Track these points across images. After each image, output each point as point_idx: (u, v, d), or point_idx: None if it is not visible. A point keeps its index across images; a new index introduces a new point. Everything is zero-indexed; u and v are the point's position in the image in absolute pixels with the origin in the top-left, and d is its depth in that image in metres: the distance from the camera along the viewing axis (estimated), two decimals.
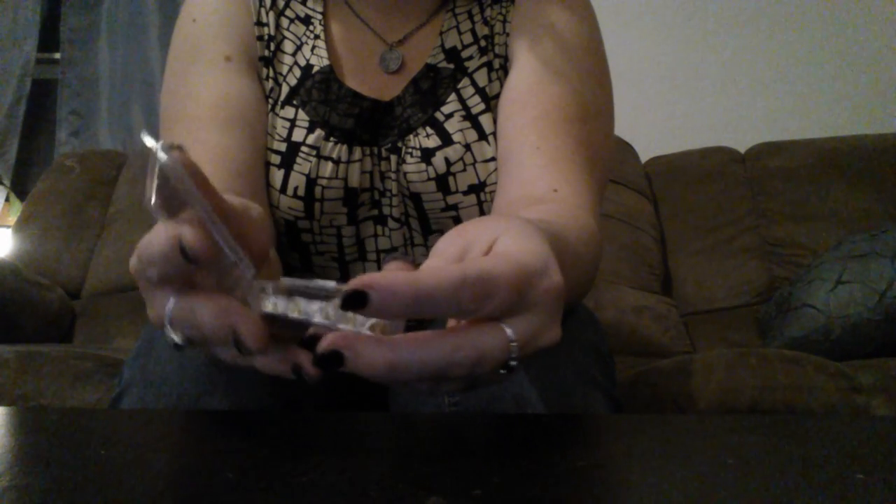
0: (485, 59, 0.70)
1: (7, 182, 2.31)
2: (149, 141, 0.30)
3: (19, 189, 2.35)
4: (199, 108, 0.65)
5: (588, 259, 0.52)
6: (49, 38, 2.44)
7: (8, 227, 2.09)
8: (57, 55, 2.44)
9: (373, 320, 0.30)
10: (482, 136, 0.68)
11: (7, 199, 2.33)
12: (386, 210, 0.70)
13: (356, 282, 0.28)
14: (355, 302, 0.28)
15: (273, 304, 0.32)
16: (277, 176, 0.67)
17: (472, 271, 0.29)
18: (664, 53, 2.12)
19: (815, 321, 1.33)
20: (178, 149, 0.30)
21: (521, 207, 0.59)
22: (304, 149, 0.67)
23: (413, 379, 0.29)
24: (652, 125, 2.05)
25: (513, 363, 0.31)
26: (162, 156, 0.29)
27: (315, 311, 0.31)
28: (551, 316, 0.32)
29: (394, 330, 0.31)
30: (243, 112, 0.66)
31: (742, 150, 1.88)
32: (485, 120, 0.68)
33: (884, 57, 2.02)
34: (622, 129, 1.77)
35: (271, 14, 0.71)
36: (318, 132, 0.67)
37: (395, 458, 0.32)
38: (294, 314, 0.31)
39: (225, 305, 0.32)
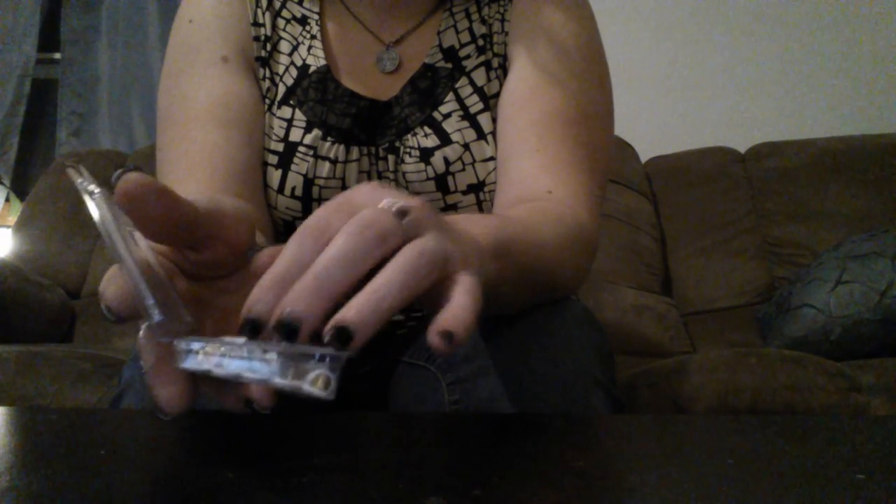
0: (483, 58, 0.70)
1: (7, 182, 2.31)
2: (77, 181, 0.29)
3: (19, 189, 2.35)
4: (196, 109, 0.65)
5: (566, 251, 0.54)
6: (49, 38, 2.44)
7: (8, 227, 2.09)
8: (57, 55, 2.44)
9: (316, 372, 0.28)
10: (481, 135, 0.68)
11: (7, 199, 2.33)
12: None
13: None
14: (340, 338, 0.28)
15: (199, 361, 0.29)
16: (275, 176, 0.67)
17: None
18: (664, 53, 2.12)
19: (815, 321, 1.33)
20: (127, 173, 0.29)
21: (517, 207, 0.59)
22: (301, 149, 0.67)
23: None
24: (652, 125, 2.05)
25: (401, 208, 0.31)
26: (91, 205, 0.29)
27: (246, 369, 0.28)
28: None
29: (335, 383, 0.28)
30: (241, 112, 0.66)
31: (742, 150, 1.88)
32: (483, 119, 0.68)
33: (884, 57, 2.02)
34: (622, 129, 1.77)
35: (267, 14, 0.71)
36: (316, 132, 0.67)
37: (395, 458, 0.32)
38: (219, 371, 0.28)
39: (159, 357, 0.31)
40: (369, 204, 0.32)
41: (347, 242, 0.29)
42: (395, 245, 0.31)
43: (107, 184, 0.32)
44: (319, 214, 0.31)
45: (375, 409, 0.68)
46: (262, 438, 0.33)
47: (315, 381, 0.27)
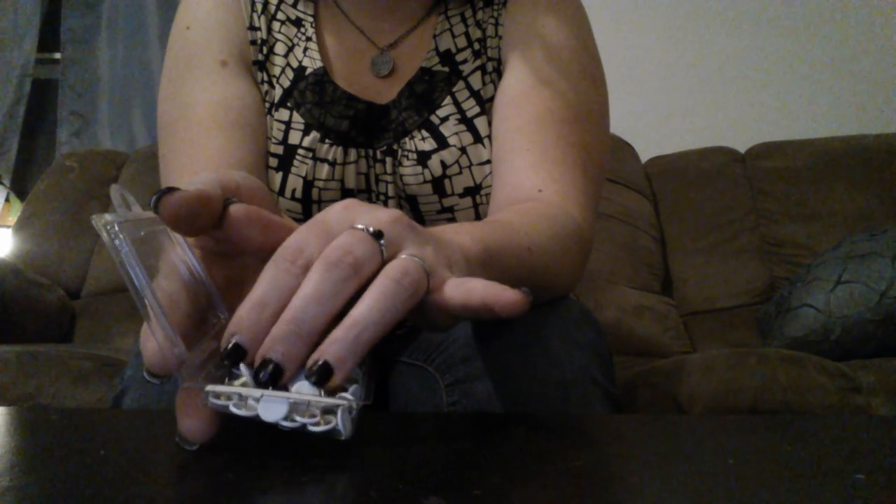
0: (479, 62, 0.70)
1: (7, 182, 2.31)
2: (97, 222, 0.29)
3: (19, 189, 2.35)
4: (198, 115, 0.65)
5: (557, 251, 0.54)
6: (49, 38, 2.44)
7: (8, 227, 2.09)
8: (57, 55, 2.44)
9: (332, 419, 0.29)
10: (477, 138, 0.68)
11: (7, 199, 2.33)
12: None
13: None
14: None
15: (223, 404, 0.30)
16: (276, 179, 0.67)
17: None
18: (664, 53, 2.12)
19: (815, 321, 1.33)
20: (165, 195, 0.29)
21: (507, 209, 0.59)
22: (300, 151, 0.67)
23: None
24: (652, 125, 2.05)
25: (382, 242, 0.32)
26: (106, 238, 0.29)
27: (265, 413, 0.29)
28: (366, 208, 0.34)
29: (351, 426, 0.30)
30: (243, 115, 0.66)
31: (742, 150, 1.88)
32: (480, 123, 0.68)
33: (884, 57, 2.02)
34: (622, 129, 1.78)
35: (262, 18, 0.71)
36: (314, 134, 0.67)
37: (395, 458, 0.32)
38: (242, 413, 0.29)
39: (185, 390, 0.31)
40: (344, 225, 0.32)
41: (323, 278, 0.30)
42: (373, 269, 0.31)
43: (110, 182, 0.31)
44: (294, 238, 0.32)
45: (375, 409, 0.68)
46: (262, 438, 0.33)
47: (328, 423, 0.29)
